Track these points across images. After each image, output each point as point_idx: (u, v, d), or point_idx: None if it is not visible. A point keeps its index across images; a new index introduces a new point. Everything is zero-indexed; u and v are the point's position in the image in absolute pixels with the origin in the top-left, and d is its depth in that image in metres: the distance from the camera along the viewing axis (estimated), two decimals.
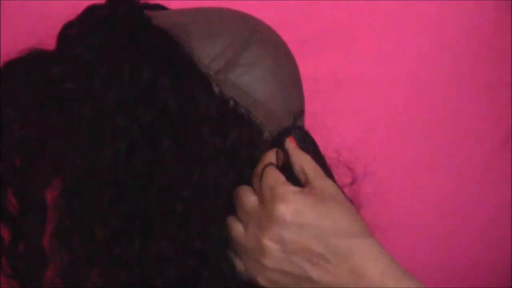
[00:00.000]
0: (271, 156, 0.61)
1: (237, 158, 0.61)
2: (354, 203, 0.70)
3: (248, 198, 0.60)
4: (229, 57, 0.61)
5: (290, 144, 0.62)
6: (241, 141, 0.61)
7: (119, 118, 0.59)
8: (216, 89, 0.61)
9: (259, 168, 0.60)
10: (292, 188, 0.59)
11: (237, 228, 0.60)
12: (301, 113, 0.66)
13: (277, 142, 0.63)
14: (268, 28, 0.66)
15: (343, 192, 0.62)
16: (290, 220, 0.57)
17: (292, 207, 0.57)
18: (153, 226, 0.59)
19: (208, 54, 0.61)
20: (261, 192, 0.59)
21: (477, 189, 0.94)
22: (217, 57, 0.61)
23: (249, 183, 0.61)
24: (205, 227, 0.60)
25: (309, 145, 0.64)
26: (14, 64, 0.64)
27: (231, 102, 0.61)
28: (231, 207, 0.61)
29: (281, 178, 0.59)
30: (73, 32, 0.65)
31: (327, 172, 0.65)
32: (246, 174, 0.61)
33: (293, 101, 0.65)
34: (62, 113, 0.61)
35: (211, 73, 0.60)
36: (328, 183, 0.60)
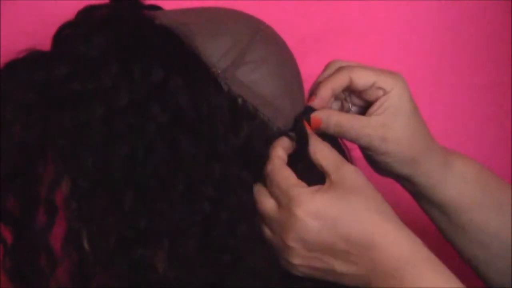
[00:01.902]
0: (278, 150, 0.61)
1: (251, 153, 0.61)
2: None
3: (266, 204, 0.60)
4: (235, 56, 0.61)
5: (306, 129, 0.63)
6: (253, 136, 0.61)
7: (132, 118, 0.59)
8: (225, 87, 0.61)
9: (268, 167, 0.60)
10: (306, 190, 0.59)
11: (265, 230, 0.61)
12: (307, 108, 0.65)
13: (292, 129, 0.63)
14: (268, 27, 0.66)
15: (364, 177, 0.61)
16: (309, 222, 0.57)
17: (309, 209, 0.58)
18: (180, 226, 0.59)
19: (214, 53, 0.61)
20: (274, 194, 0.60)
21: None
22: (223, 56, 0.61)
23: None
24: (234, 225, 0.60)
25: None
26: (15, 64, 0.63)
27: (239, 100, 0.61)
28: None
29: (292, 179, 0.59)
30: (71, 32, 0.65)
31: (345, 156, 0.66)
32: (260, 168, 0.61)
33: (298, 97, 0.65)
34: (68, 113, 0.61)
35: (219, 71, 0.61)
36: (347, 172, 0.60)
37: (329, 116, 0.64)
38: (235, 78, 0.61)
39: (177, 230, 0.59)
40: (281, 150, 0.61)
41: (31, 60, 0.63)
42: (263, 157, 0.61)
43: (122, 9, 0.65)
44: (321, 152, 0.61)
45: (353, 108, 0.68)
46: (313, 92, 0.66)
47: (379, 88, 0.65)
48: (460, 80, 0.93)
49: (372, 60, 0.91)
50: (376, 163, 0.68)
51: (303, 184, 0.59)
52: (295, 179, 0.59)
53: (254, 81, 0.62)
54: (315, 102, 0.64)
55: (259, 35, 0.63)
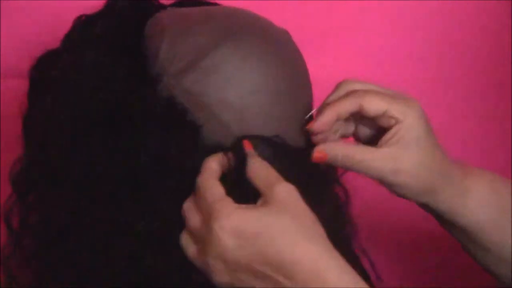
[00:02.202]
0: (210, 162, 0.58)
1: (175, 163, 0.59)
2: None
3: (191, 218, 0.57)
4: (188, 61, 0.59)
5: (246, 149, 0.59)
6: (181, 149, 0.58)
7: (68, 110, 0.60)
8: (166, 92, 0.59)
9: (198, 178, 0.57)
10: (229, 205, 0.55)
11: (190, 248, 0.58)
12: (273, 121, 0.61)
13: (232, 148, 0.60)
14: (258, 35, 0.62)
15: (298, 197, 0.57)
16: (225, 238, 0.54)
17: (226, 225, 0.54)
18: (93, 226, 0.59)
19: (171, 55, 0.60)
20: (201, 209, 0.57)
21: None
22: (178, 59, 0.59)
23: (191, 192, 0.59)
24: (140, 232, 0.59)
25: (273, 153, 0.60)
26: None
27: (180, 107, 0.59)
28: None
29: (217, 193, 0.56)
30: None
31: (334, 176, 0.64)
32: (189, 182, 0.58)
33: (254, 110, 0.60)
34: (41, 101, 0.64)
35: (164, 76, 0.59)
36: (279, 191, 0.56)
37: (334, 148, 0.61)
38: (181, 84, 0.59)
39: (92, 228, 0.59)
40: (214, 163, 0.58)
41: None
42: (191, 170, 0.58)
43: (122, 4, 0.65)
44: (256, 171, 0.57)
45: (364, 132, 0.64)
46: (318, 113, 0.62)
47: (391, 117, 0.61)
48: (460, 80, 0.93)
49: (371, 61, 0.92)
50: (391, 191, 0.65)
51: (229, 199, 0.56)
52: (221, 194, 0.56)
53: (201, 88, 0.59)
54: (315, 126, 0.60)
55: (227, 41, 0.60)
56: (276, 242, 0.54)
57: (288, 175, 0.58)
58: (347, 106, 0.61)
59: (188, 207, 0.58)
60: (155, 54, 0.60)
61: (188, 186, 0.58)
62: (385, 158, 0.61)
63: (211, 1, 0.69)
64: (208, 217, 0.55)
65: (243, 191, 0.58)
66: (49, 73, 0.63)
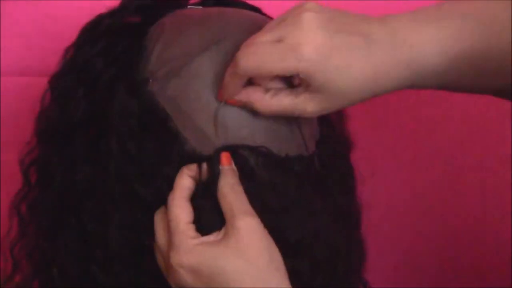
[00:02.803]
0: (183, 180, 0.57)
1: (151, 172, 0.58)
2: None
3: (158, 234, 0.57)
4: (173, 67, 0.58)
5: (223, 164, 0.57)
6: (158, 155, 0.58)
7: (57, 112, 0.61)
8: (149, 98, 0.58)
9: (169, 196, 0.56)
10: (188, 241, 0.55)
11: (159, 259, 0.58)
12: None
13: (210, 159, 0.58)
14: (243, 40, 0.58)
15: (259, 235, 0.55)
16: (181, 273, 0.54)
17: (185, 264, 0.54)
18: (66, 227, 0.60)
19: (160, 60, 0.59)
20: (167, 230, 0.56)
21: (477, 189, 0.94)
22: (165, 64, 0.58)
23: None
24: (104, 237, 0.59)
25: (258, 163, 0.58)
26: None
27: (163, 113, 0.58)
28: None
29: (182, 223, 0.55)
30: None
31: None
32: (163, 189, 0.58)
33: (236, 119, 0.58)
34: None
35: (150, 80, 0.58)
36: (241, 227, 0.54)
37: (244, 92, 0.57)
38: (164, 90, 0.58)
39: (65, 227, 0.61)
40: (186, 180, 0.57)
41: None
42: (165, 178, 0.58)
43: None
44: (224, 195, 0.56)
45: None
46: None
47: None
48: None
49: None
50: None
51: (190, 232, 0.55)
52: (184, 224, 0.55)
53: (182, 95, 0.58)
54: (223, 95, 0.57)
55: (212, 49, 0.58)
56: (227, 285, 0.54)
57: (275, 186, 0.58)
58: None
59: (158, 220, 0.58)
60: (149, 58, 0.59)
61: (162, 194, 0.58)
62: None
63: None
64: (169, 246, 0.55)
65: (211, 208, 0.57)
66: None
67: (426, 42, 0.55)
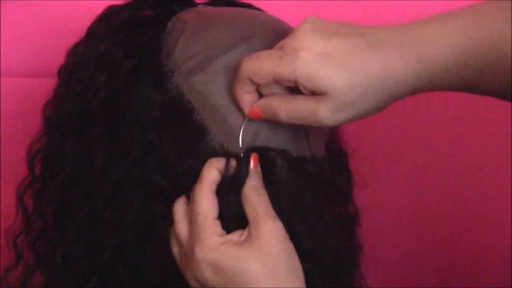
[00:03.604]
0: (211, 173, 0.57)
1: (172, 162, 0.58)
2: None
3: (180, 228, 0.58)
4: (199, 61, 0.58)
5: (252, 165, 0.58)
6: (180, 146, 0.58)
7: (71, 102, 0.60)
8: (175, 90, 0.58)
9: (196, 188, 0.57)
10: (215, 238, 0.56)
11: (175, 252, 0.59)
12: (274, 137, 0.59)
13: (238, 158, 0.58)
14: (270, 39, 0.59)
15: (281, 240, 0.56)
16: (204, 269, 0.55)
17: (208, 258, 0.55)
18: (76, 216, 0.60)
19: (185, 54, 0.59)
20: (191, 222, 0.57)
21: (477, 189, 0.94)
22: (191, 58, 0.59)
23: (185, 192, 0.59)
24: (121, 227, 0.59)
25: (284, 166, 0.59)
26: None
27: (188, 106, 0.58)
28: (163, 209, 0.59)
29: (209, 217, 0.56)
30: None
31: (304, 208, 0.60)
32: (185, 182, 0.58)
33: (262, 124, 0.59)
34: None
35: (176, 73, 0.59)
36: (265, 232, 0.55)
37: (267, 101, 0.56)
38: (189, 83, 0.58)
39: (75, 217, 0.60)
40: (214, 172, 0.57)
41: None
42: (188, 169, 0.58)
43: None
44: (249, 198, 0.57)
45: None
46: None
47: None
48: None
49: None
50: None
51: (217, 228, 0.56)
52: (212, 219, 0.56)
53: (209, 89, 0.58)
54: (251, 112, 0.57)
55: (240, 46, 0.59)
56: (246, 287, 0.55)
57: (293, 192, 0.59)
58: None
59: (179, 210, 0.58)
60: (172, 51, 0.60)
61: (181, 185, 0.58)
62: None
63: (242, 1, 0.68)
64: (194, 239, 0.56)
65: (235, 206, 0.57)
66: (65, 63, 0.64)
67: (432, 36, 0.54)
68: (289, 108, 0.55)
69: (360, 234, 0.73)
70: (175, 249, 0.59)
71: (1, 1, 0.86)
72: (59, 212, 0.62)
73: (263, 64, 0.54)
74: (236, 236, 0.56)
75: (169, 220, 0.59)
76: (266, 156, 0.59)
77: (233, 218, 0.57)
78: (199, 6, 0.66)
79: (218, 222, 0.56)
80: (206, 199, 0.56)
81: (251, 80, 0.55)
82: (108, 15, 0.64)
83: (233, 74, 0.57)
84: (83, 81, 0.60)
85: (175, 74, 0.59)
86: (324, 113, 0.53)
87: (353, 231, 0.71)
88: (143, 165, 0.58)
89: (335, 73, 0.52)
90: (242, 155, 0.58)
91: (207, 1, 0.67)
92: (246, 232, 0.56)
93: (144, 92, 0.58)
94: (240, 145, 0.58)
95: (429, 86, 0.55)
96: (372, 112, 0.54)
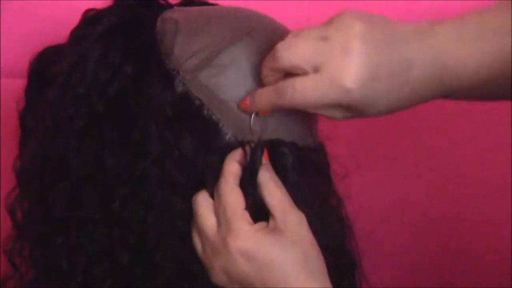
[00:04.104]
0: (233, 165, 0.58)
1: (190, 159, 0.59)
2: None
3: (207, 220, 0.58)
4: (204, 57, 0.59)
5: (263, 160, 0.59)
6: (196, 143, 0.59)
7: (73, 105, 0.60)
8: (181, 88, 0.59)
9: (221, 182, 0.58)
10: (247, 227, 0.57)
11: (197, 244, 0.59)
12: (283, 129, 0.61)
13: (249, 155, 0.59)
14: (269, 31, 0.62)
15: (307, 228, 0.58)
16: (238, 259, 0.56)
17: (242, 248, 0.56)
18: (89, 217, 0.60)
19: (184, 52, 0.60)
20: (218, 215, 0.58)
21: (477, 189, 0.94)
22: (193, 55, 0.59)
23: (206, 186, 0.59)
24: (143, 224, 0.59)
25: (288, 165, 0.60)
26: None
27: (197, 102, 0.59)
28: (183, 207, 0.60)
29: (239, 208, 0.57)
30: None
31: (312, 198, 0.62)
32: (202, 177, 0.59)
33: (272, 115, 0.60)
34: (40, 96, 0.64)
35: (180, 71, 0.59)
36: (291, 221, 0.57)
37: (260, 92, 0.58)
38: (196, 79, 0.59)
39: (90, 219, 0.60)
40: (236, 165, 0.58)
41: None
42: (208, 164, 0.59)
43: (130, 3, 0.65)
44: (271, 190, 0.58)
45: None
46: None
47: None
48: None
49: None
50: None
51: (248, 218, 0.57)
52: (241, 210, 0.57)
53: (216, 84, 0.59)
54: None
55: (242, 39, 0.60)
56: (281, 274, 0.56)
57: (303, 186, 0.60)
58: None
59: (203, 203, 0.59)
60: (170, 50, 0.60)
61: (200, 179, 0.59)
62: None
63: (212, 1, 0.69)
64: (225, 231, 0.57)
65: (257, 195, 0.58)
66: (53, 67, 0.63)
67: (464, 59, 0.55)
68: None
69: (359, 234, 0.73)
70: (197, 242, 0.59)
71: (1, 1, 0.86)
72: (67, 217, 0.61)
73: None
74: (263, 225, 0.57)
75: (190, 216, 0.59)
76: (276, 150, 0.60)
77: (257, 209, 0.58)
78: (176, 7, 0.66)
79: (247, 212, 0.57)
80: (232, 191, 0.57)
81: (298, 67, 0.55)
82: (93, 19, 0.64)
83: (244, 66, 0.59)
84: (84, 85, 0.60)
85: (180, 72, 0.59)
86: (338, 115, 0.56)
87: (349, 227, 0.72)
88: (163, 164, 0.58)
89: (372, 101, 0.55)
90: (254, 144, 0.59)
91: (180, 1, 0.68)
92: (271, 222, 0.57)
93: (153, 91, 0.59)
94: (253, 135, 0.59)
95: (446, 97, 0.58)
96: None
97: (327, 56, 0.54)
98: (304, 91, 0.54)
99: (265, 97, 0.58)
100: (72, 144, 0.60)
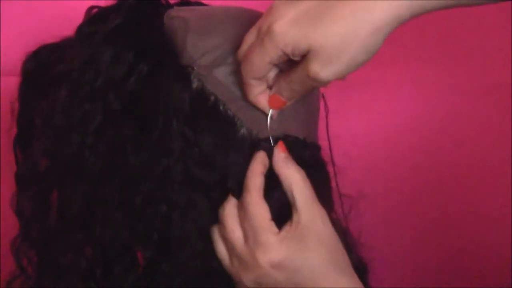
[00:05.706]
0: (257, 180, 0.59)
1: (210, 155, 0.59)
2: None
3: (234, 233, 0.59)
4: (218, 54, 0.60)
5: (280, 153, 0.60)
6: (215, 138, 0.59)
7: (88, 103, 0.59)
8: (197, 84, 0.60)
9: (246, 197, 0.58)
10: (274, 238, 0.57)
11: (223, 254, 0.60)
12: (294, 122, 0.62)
13: (264, 147, 0.60)
14: None
15: (330, 224, 0.59)
16: (271, 272, 0.57)
17: (273, 260, 0.57)
18: (111, 214, 0.60)
19: (198, 50, 0.60)
20: (244, 227, 0.58)
21: (477, 189, 0.95)
22: (207, 53, 0.60)
23: (230, 189, 0.60)
24: (167, 221, 0.59)
25: (305, 159, 0.61)
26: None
27: (212, 98, 0.60)
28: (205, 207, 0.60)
29: (265, 221, 0.58)
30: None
31: (325, 191, 0.64)
32: (223, 173, 0.60)
33: (289, 113, 0.61)
34: (46, 95, 0.63)
35: (195, 67, 0.60)
36: (316, 218, 0.58)
37: (280, 86, 0.58)
38: (211, 76, 0.60)
39: (111, 216, 0.60)
40: (259, 178, 0.59)
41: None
42: (227, 161, 0.60)
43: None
44: (296, 186, 0.59)
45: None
46: None
47: None
48: (459, 81, 0.93)
49: (372, 62, 0.92)
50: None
51: (274, 228, 0.58)
52: (268, 222, 0.58)
53: (231, 81, 0.60)
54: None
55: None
56: (311, 275, 0.57)
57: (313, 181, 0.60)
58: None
59: (230, 214, 0.59)
60: (182, 48, 0.61)
61: (219, 178, 0.60)
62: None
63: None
64: (253, 245, 0.57)
65: (281, 199, 0.59)
66: (56, 66, 0.63)
67: None
68: (289, 80, 0.56)
69: (359, 234, 0.73)
70: (222, 250, 0.60)
71: (1, 1, 0.86)
72: (84, 215, 0.61)
73: (253, 60, 0.55)
74: (287, 228, 0.58)
75: (214, 216, 0.60)
76: (293, 145, 0.61)
77: (282, 213, 0.59)
78: (175, 7, 0.66)
79: (273, 223, 0.58)
80: (258, 206, 0.58)
81: (255, 79, 0.57)
82: (99, 16, 0.64)
83: None
84: (99, 82, 0.59)
85: (195, 69, 0.60)
86: (314, 68, 0.53)
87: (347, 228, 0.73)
88: (185, 160, 0.59)
89: (310, 30, 0.52)
90: (272, 142, 0.60)
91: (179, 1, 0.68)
92: (295, 217, 0.58)
93: (170, 88, 0.59)
94: (269, 130, 0.60)
95: (414, 10, 0.55)
96: (365, 56, 0.54)
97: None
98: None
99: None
100: (87, 141, 0.59)
